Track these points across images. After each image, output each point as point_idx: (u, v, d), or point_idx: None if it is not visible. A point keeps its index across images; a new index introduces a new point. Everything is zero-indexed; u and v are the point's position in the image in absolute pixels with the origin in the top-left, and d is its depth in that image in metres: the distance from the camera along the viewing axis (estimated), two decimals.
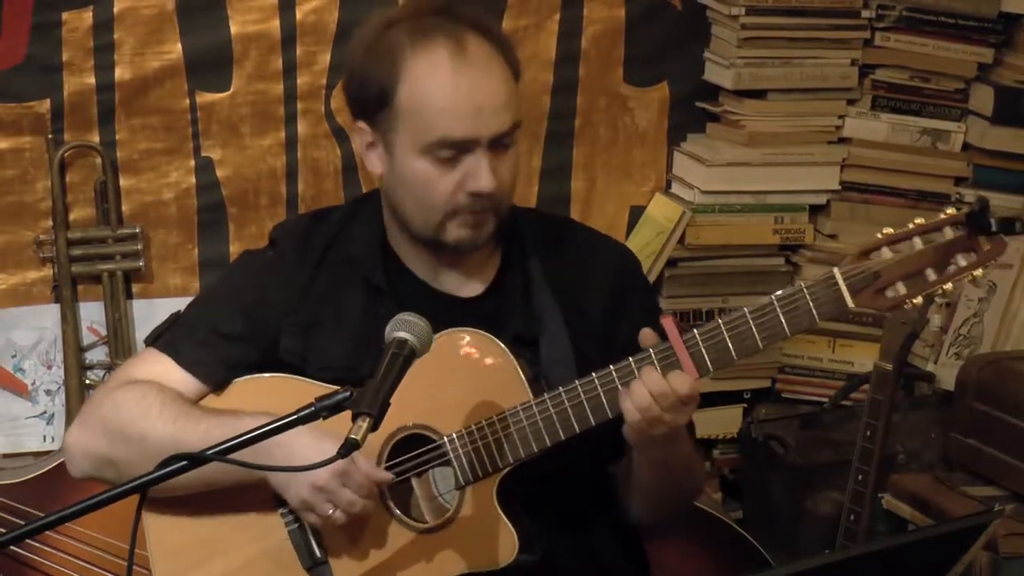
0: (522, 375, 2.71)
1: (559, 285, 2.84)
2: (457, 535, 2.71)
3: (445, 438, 2.71)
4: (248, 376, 2.83)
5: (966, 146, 4.22)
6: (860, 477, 3.54)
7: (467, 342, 2.73)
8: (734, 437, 4.25)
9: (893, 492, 3.75)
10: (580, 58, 4.12)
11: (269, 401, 2.73)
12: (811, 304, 2.60)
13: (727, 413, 4.25)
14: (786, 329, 2.61)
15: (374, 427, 2.42)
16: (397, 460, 2.74)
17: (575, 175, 4.18)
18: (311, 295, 2.84)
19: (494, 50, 2.73)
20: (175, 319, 2.90)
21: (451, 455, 2.71)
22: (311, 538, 2.77)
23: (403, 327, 2.54)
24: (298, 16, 3.96)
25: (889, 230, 2.60)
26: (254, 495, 2.77)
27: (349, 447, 2.40)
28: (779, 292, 2.61)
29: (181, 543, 2.80)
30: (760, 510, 4.13)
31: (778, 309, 2.60)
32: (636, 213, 4.22)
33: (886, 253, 2.59)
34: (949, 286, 2.60)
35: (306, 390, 2.72)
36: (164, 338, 2.87)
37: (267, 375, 2.82)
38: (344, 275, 2.84)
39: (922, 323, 3.59)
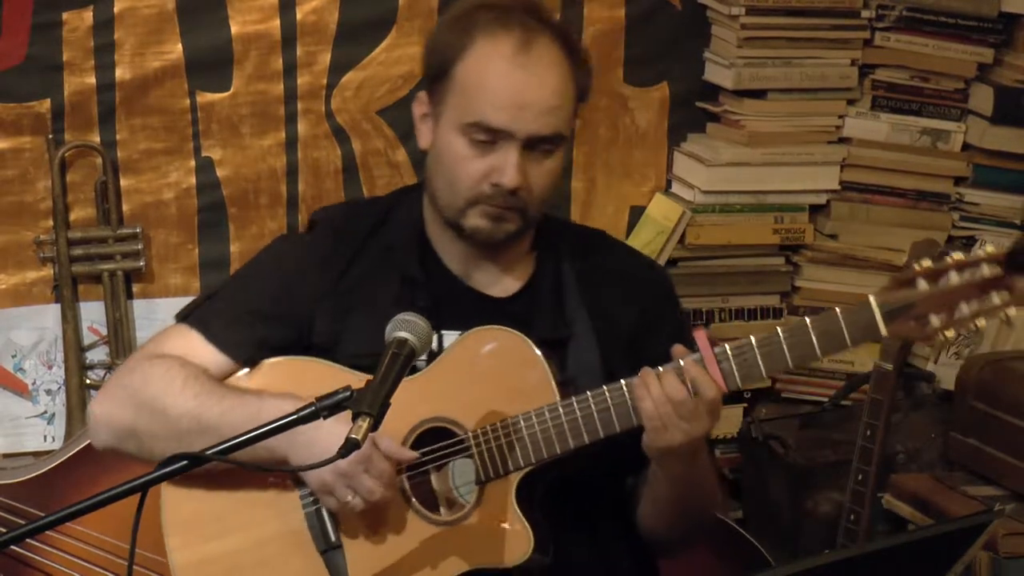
0: (551, 377, 2.71)
1: (591, 294, 2.85)
2: (473, 531, 2.72)
3: (469, 433, 2.72)
4: (277, 357, 2.83)
5: (966, 146, 4.22)
6: (860, 477, 3.54)
7: (499, 339, 2.73)
8: (734, 437, 4.24)
9: (893, 492, 3.75)
10: None
11: (297, 383, 2.73)
12: (844, 329, 2.61)
13: (727, 413, 4.23)
14: (818, 352, 2.62)
15: (374, 427, 2.42)
16: (420, 451, 2.74)
17: (575, 175, 4.18)
18: (347, 280, 2.84)
19: (563, 58, 2.75)
20: (208, 296, 2.90)
21: (474, 450, 2.71)
22: (327, 521, 2.77)
23: (403, 327, 2.55)
24: (298, 16, 3.96)
25: (928, 263, 2.61)
26: (274, 474, 2.77)
27: (349, 447, 2.40)
28: (813, 315, 2.63)
29: (196, 515, 2.80)
30: (760, 510, 4.13)
31: (811, 332, 2.61)
32: (636, 213, 4.22)
33: (922, 284, 2.60)
34: (982, 322, 2.61)
35: (334, 375, 2.72)
36: (195, 314, 2.86)
37: (296, 357, 2.82)
38: (381, 263, 2.85)
39: None
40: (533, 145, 2.72)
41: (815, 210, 4.25)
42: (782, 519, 4.02)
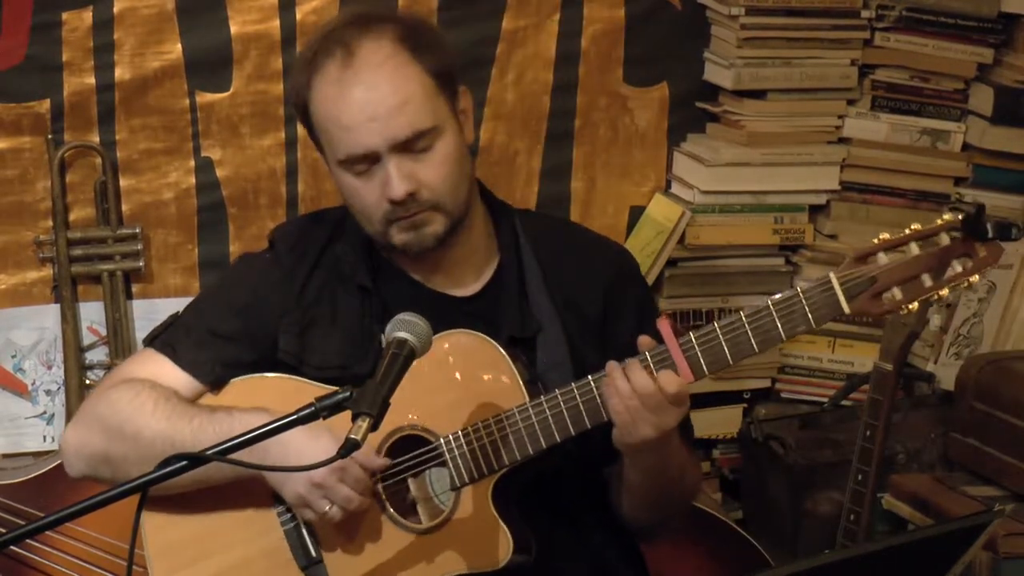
0: (519, 377, 2.71)
1: (556, 285, 2.84)
2: (452, 536, 2.72)
3: (441, 439, 2.72)
4: (245, 376, 2.83)
5: (966, 146, 4.22)
6: (860, 477, 3.54)
7: (463, 344, 2.73)
8: (734, 437, 4.24)
9: (893, 492, 3.75)
10: (580, 58, 4.12)
11: (266, 400, 2.74)
12: (807, 309, 2.60)
13: (727, 413, 4.25)
14: (782, 333, 2.61)
15: (374, 427, 2.43)
16: (394, 461, 2.74)
17: (575, 175, 4.18)
18: (307, 295, 2.85)
19: (394, 51, 2.72)
20: (173, 320, 2.91)
21: (447, 456, 2.71)
22: (307, 537, 2.77)
23: (403, 327, 2.55)
24: (298, 16, 3.96)
25: (885, 235, 2.61)
26: (250, 493, 2.77)
27: (349, 447, 2.40)
28: (775, 296, 2.62)
29: (177, 540, 2.81)
30: (760, 510, 4.13)
31: (774, 313, 2.61)
32: (636, 213, 4.22)
33: (882, 258, 2.59)
34: (945, 292, 2.60)
35: (303, 390, 2.73)
36: (161, 338, 2.88)
37: (264, 375, 2.83)
38: (339, 275, 2.85)
39: (922, 323, 3.60)
40: (403, 148, 2.71)
41: (815, 210, 4.25)
42: (782, 519, 4.02)
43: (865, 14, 4.14)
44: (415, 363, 2.56)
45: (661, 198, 4.20)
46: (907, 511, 3.71)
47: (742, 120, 4.15)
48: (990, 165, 4.20)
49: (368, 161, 2.72)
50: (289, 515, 2.78)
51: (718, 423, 4.25)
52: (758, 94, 4.15)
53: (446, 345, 2.71)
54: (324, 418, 2.44)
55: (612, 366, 2.63)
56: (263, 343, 2.84)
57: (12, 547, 2.50)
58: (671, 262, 4.16)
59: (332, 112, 2.72)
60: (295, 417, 2.43)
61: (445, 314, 2.74)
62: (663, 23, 4.16)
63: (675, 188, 4.23)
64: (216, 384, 2.84)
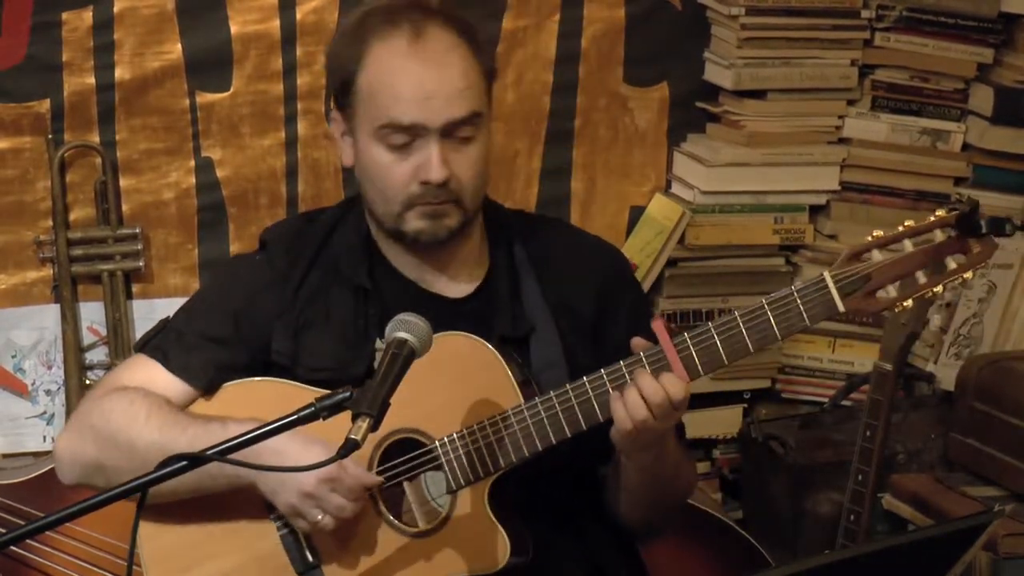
0: (512, 379, 2.71)
1: (549, 286, 2.84)
2: (449, 539, 2.71)
3: (436, 442, 2.71)
4: (238, 380, 2.83)
5: (966, 146, 4.22)
6: (860, 477, 3.54)
7: (457, 346, 2.72)
8: (734, 437, 4.24)
9: (893, 492, 3.75)
10: (580, 58, 4.12)
11: (258, 406, 2.73)
12: (801, 308, 2.60)
13: (727, 413, 4.25)
14: (777, 333, 2.61)
15: (374, 427, 2.42)
16: (388, 464, 2.73)
17: (575, 175, 4.18)
18: (301, 296, 2.84)
19: (459, 41, 2.74)
20: (164, 324, 2.90)
21: (442, 459, 2.71)
22: (303, 543, 2.77)
23: (403, 327, 2.55)
24: (298, 16, 3.96)
25: (879, 232, 2.60)
26: (245, 500, 2.77)
27: (349, 447, 2.40)
28: (770, 295, 2.61)
29: (173, 547, 2.80)
30: (760, 510, 4.13)
31: (769, 313, 2.61)
32: (636, 213, 4.22)
33: (876, 255, 2.59)
34: (939, 289, 2.59)
35: (295, 394, 2.72)
36: (152, 343, 2.87)
37: (257, 379, 2.82)
38: (333, 276, 2.85)
39: (922, 323, 3.60)
40: (450, 132, 2.72)
41: (815, 210, 4.25)
42: (782, 519, 4.02)
43: (865, 14, 4.14)
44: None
45: (661, 198, 4.20)
46: (907, 511, 3.71)
47: (742, 120, 4.15)
48: (990, 165, 4.20)
49: (408, 134, 2.71)
50: (284, 521, 2.77)
51: (718, 423, 4.25)
52: (758, 94, 4.15)
53: (439, 347, 2.70)
54: (324, 418, 2.43)
55: (615, 370, 2.63)
56: (255, 345, 2.83)
57: (12, 547, 2.50)
58: (671, 262, 4.16)
59: (388, 80, 2.71)
60: (295, 417, 2.43)
61: (439, 315, 2.73)
62: (663, 23, 4.16)
63: (675, 188, 4.23)
64: (208, 388, 2.83)
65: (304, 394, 2.69)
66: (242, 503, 2.77)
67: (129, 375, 2.86)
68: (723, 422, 4.25)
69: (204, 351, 2.82)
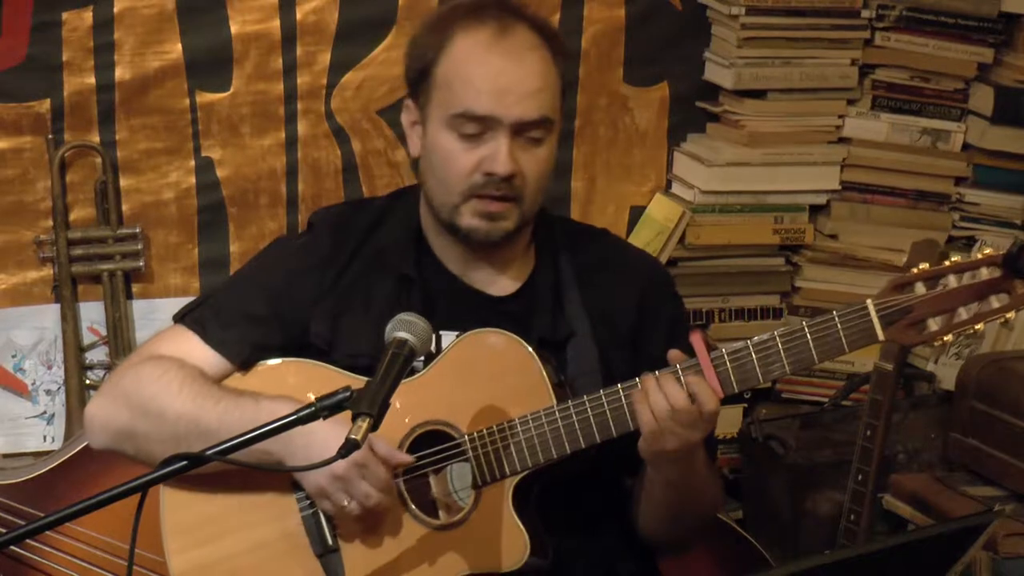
0: (547, 380, 2.71)
1: (590, 293, 2.84)
2: (469, 534, 2.72)
3: (465, 437, 2.71)
4: (274, 359, 2.83)
5: (966, 146, 4.23)
6: (860, 477, 3.54)
7: (495, 342, 2.73)
8: (734, 437, 4.24)
9: (893, 492, 3.75)
10: (580, 58, 4.12)
11: (292, 385, 2.74)
12: (841, 333, 2.60)
13: (727, 413, 4.24)
14: (815, 356, 2.62)
15: (374, 427, 2.42)
16: (417, 455, 2.73)
17: (575, 175, 4.18)
18: (343, 282, 2.84)
19: (541, 44, 2.76)
20: (206, 298, 2.91)
21: (470, 454, 2.71)
22: (324, 525, 2.77)
23: (403, 327, 2.55)
24: (298, 16, 3.96)
25: (925, 265, 2.60)
26: (272, 476, 2.77)
27: (349, 447, 2.40)
28: (811, 319, 2.61)
29: (194, 518, 2.80)
30: (760, 510, 4.13)
31: (808, 335, 2.61)
32: (636, 213, 4.22)
33: (920, 288, 2.59)
34: (981, 327, 2.59)
35: (330, 377, 2.73)
36: (192, 315, 2.87)
37: (293, 359, 2.82)
38: (377, 264, 2.85)
39: None
40: (521, 131, 2.72)
41: (815, 210, 4.25)
42: (782, 519, 4.02)
43: (865, 14, 4.14)
44: (445, 359, 2.57)
45: (661, 198, 4.20)
46: (907, 511, 3.71)
47: (742, 120, 4.15)
48: (990, 165, 4.20)
49: (480, 125, 2.71)
50: (308, 501, 2.77)
51: (718, 423, 4.23)
52: (758, 94, 4.16)
53: (478, 342, 2.71)
54: (324, 418, 2.44)
55: (646, 377, 2.63)
56: (293, 327, 2.83)
57: (12, 547, 2.50)
58: (671, 262, 4.16)
59: (468, 70, 2.73)
60: (295, 417, 2.43)
61: (479, 312, 2.74)
62: (663, 23, 4.16)
63: (675, 188, 4.23)
64: (244, 365, 2.83)
65: (340, 378, 2.69)
66: (268, 479, 2.77)
67: (166, 345, 2.86)
68: (723, 422, 4.22)
69: (243, 327, 2.83)
